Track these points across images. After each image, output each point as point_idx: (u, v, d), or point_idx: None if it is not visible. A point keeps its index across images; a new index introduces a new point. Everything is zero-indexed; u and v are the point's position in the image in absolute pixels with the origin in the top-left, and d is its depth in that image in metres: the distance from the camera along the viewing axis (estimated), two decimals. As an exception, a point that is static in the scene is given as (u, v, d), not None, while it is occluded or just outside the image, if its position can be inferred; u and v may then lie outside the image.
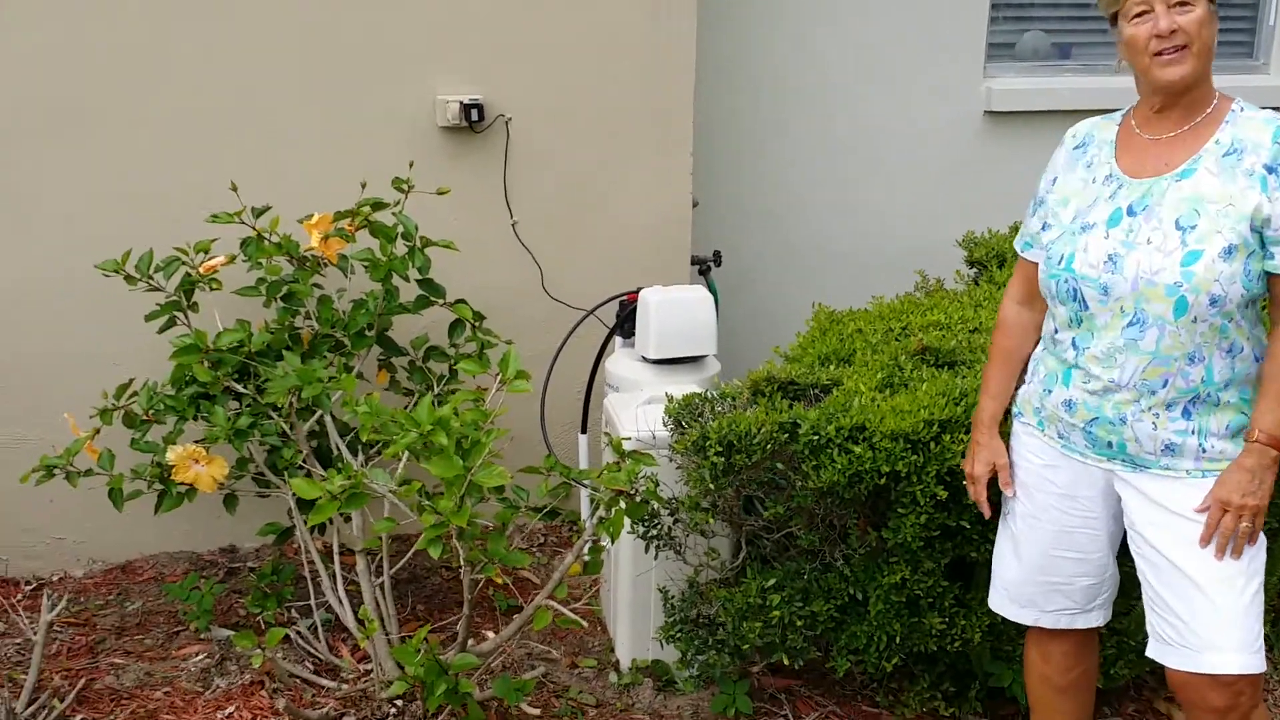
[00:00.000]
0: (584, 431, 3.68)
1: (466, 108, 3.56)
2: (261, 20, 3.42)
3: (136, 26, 3.35)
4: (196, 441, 3.10)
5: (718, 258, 4.12)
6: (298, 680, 3.15)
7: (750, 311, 4.40)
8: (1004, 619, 2.64)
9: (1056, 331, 2.38)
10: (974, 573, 2.93)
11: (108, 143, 3.41)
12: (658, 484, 2.92)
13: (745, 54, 4.30)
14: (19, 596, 3.49)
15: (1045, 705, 2.69)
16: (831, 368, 3.10)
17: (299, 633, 3.29)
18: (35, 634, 3.01)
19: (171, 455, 3.06)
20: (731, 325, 4.18)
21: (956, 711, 3.05)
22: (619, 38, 3.71)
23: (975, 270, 3.77)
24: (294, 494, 3.18)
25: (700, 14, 3.82)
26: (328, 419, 3.17)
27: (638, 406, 3.22)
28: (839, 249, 4.54)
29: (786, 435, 2.80)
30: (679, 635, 3.07)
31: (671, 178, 3.87)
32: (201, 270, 3.22)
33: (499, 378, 2.80)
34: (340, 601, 3.21)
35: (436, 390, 3.35)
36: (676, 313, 3.43)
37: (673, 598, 3.09)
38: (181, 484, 3.10)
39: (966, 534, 2.80)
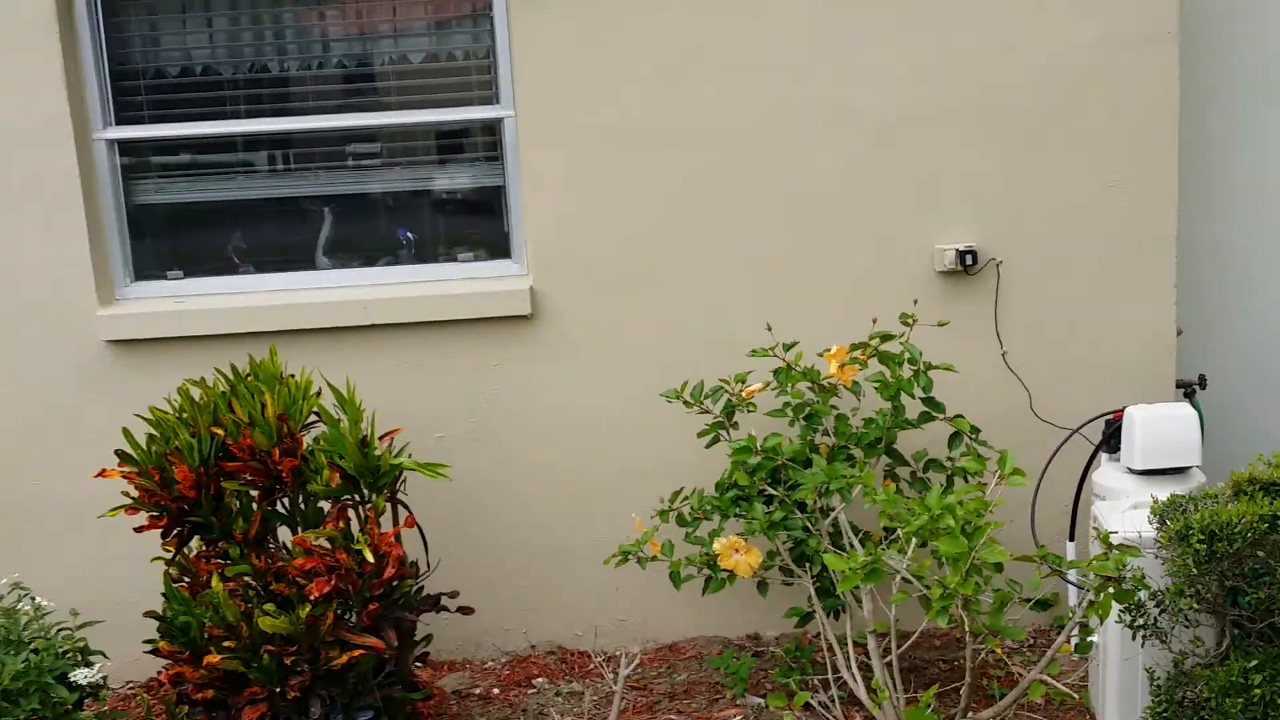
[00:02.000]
0: (1072, 539, 4.00)
1: (961, 254, 4.11)
2: (777, 194, 4.17)
3: (711, 208, 4.20)
4: (737, 534, 3.76)
5: (1202, 381, 4.33)
6: (819, 741, 3.65)
7: (1235, 435, 4.53)
8: None
9: None
10: None
11: (675, 294, 4.24)
12: (1144, 575, 3.22)
13: (1227, 187, 4.57)
14: (590, 665, 4.27)
15: None
16: (1318, 473, 3.27)
17: (819, 702, 3.81)
18: (615, 685, 3.73)
19: (717, 545, 3.72)
20: (1216, 448, 4.35)
21: None
22: (1100, 184, 4.12)
23: None
24: (814, 582, 3.78)
25: (1186, 152, 4.17)
26: (841, 519, 3.73)
27: (1124, 511, 3.53)
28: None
29: (1267, 526, 3.02)
30: (1165, 716, 3.29)
31: (1154, 310, 4.18)
32: (743, 395, 3.93)
33: (996, 475, 3.25)
34: (854, 678, 3.69)
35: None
36: (1161, 426, 3.71)
37: (1159, 680, 3.32)
38: (724, 570, 3.75)
39: None
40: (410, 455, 3.65)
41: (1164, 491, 3.50)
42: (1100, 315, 4.20)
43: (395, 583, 3.50)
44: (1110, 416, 3.92)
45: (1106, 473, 3.86)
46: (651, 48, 4.06)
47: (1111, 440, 3.88)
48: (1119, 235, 4.16)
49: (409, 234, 4.36)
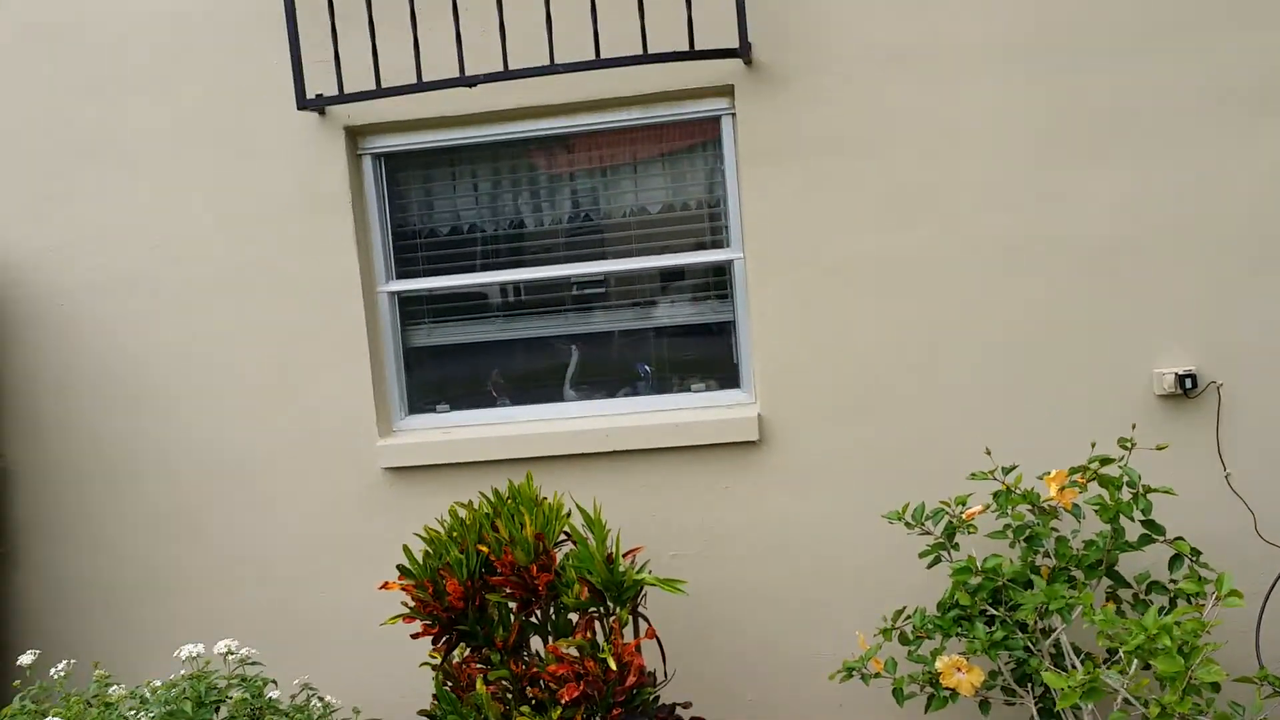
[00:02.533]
0: (1307, 665, 3.98)
1: (1180, 378, 4.22)
2: (993, 323, 4.38)
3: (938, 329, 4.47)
4: (959, 653, 3.92)
5: None
6: None
7: None
8: None
9: None
10: None
11: (895, 420, 4.48)
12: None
13: None
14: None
15: None
16: None
17: (1047, 823, 3.88)
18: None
19: (940, 664, 3.89)
20: None
21: None
22: (1318, 308, 4.18)
23: None
24: (1036, 702, 3.89)
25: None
26: (1063, 639, 3.84)
27: (1358, 636, 3.53)
28: None
29: None
30: None
31: (1384, 430, 4.17)
32: (964, 518, 4.12)
33: (1214, 596, 3.34)
34: (1081, 799, 3.77)
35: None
36: (1394, 551, 3.70)
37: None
38: (946, 688, 3.90)
39: None
40: (650, 571, 3.98)
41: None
42: (1327, 438, 4.22)
43: (636, 690, 3.82)
44: (1341, 540, 3.92)
45: (1340, 597, 3.85)
46: (869, 192, 4.38)
47: (1343, 564, 3.88)
48: (1344, 358, 4.19)
49: (646, 367, 4.77)
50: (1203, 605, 3.41)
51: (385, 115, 4.65)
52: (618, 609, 3.87)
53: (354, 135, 4.74)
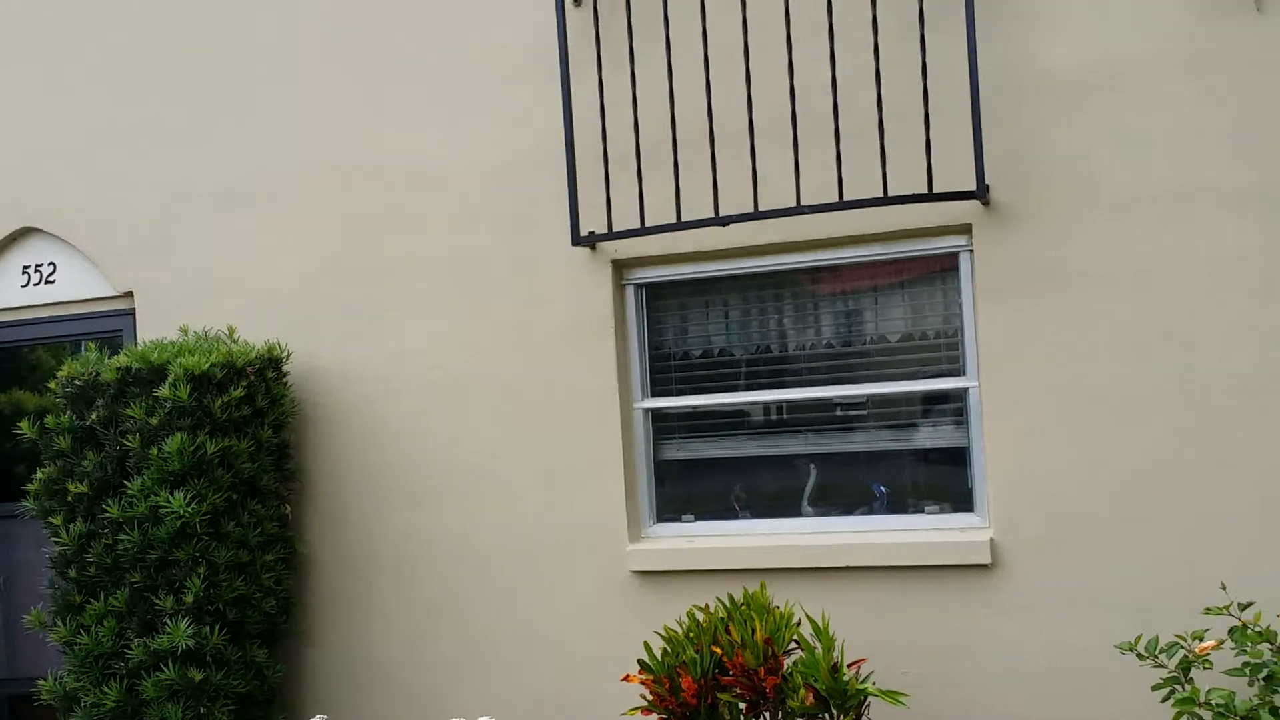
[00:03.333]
0: None
1: None
2: (1224, 454, 4.37)
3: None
4: (1191, 790, 3.87)
5: None
6: None
7: None
8: None
9: None
10: None
11: (1129, 549, 4.50)
12: None
13: None
14: None
15: None
16: None
17: None
18: None
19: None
20: None
21: None
22: None
23: None
24: None
25: None
26: (1306, 784, 3.74)
27: None
28: None
29: None
30: None
31: None
32: (1198, 652, 4.09)
33: None
34: None
35: None
36: None
37: None
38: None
39: None
40: (874, 684, 4.15)
41: None
42: None
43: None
44: None
45: None
46: (1098, 324, 4.50)
47: None
48: None
49: (882, 488, 4.97)
50: None
51: (648, 250, 5.13)
52: (841, 716, 4.05)
53: (619, 267, 5.24)
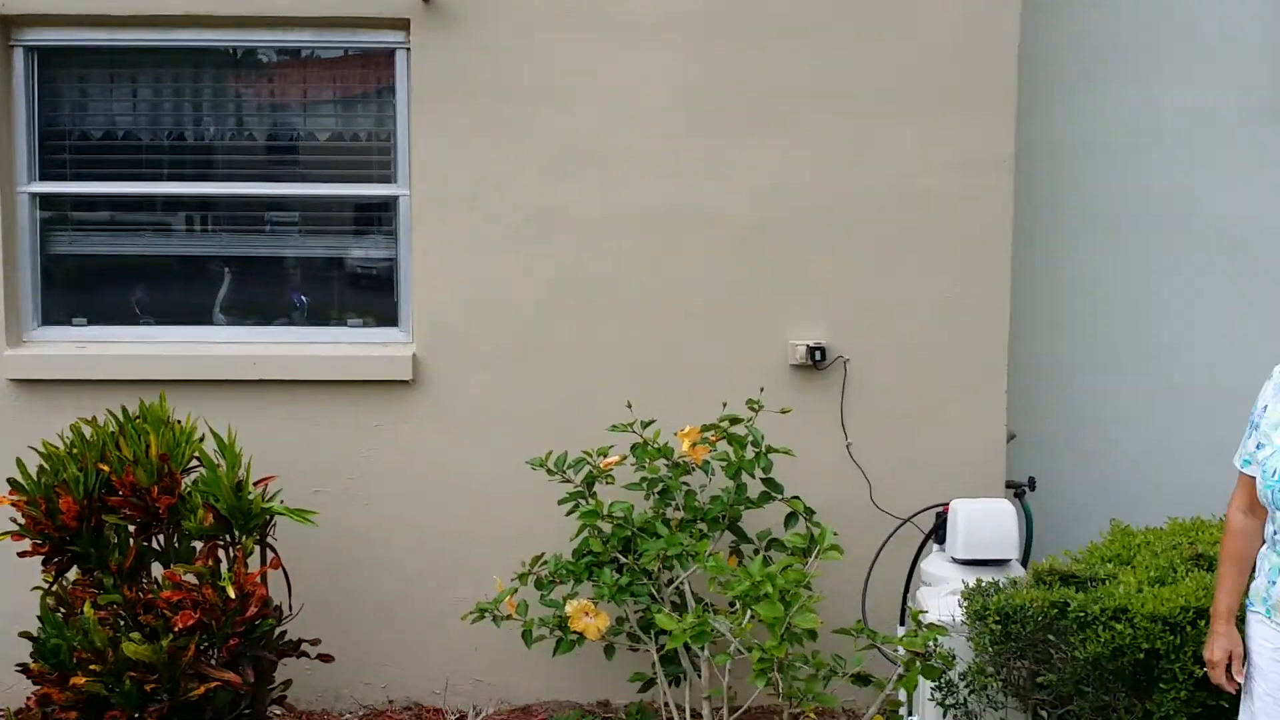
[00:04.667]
0: (902, 624, 4.31)
1: (811, 350, 4.47)
2: (649, 285, 4.52)
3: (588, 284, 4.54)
4: (588, 599, 4.02)
5: (1031, 483, 4.70)
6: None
7: (1062, 534, 4.89)
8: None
9: (1275, 533, 2.88)
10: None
11: (548, 371, 4.53)
12: (954, 656, 3.53)
13: (1070, 311, 5.05)
14: (449, 722, 4.49)
15: None
16: (1111, 566, 3.62)
17: (655, 762, 4.04)
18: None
19: (569, 608, 3.98)
20: (1044, 546, 4.71)
21: None
22: (942, 295, 4.52)
23: None
24: (658, 649, 4.04)
25: (1019, 270, 4.61)
26: (686, 588, 4.01)
27: (942, 596, 3.86)
28: (1152, 482, 4.99)
29: (1057, 611, 3.35)
30: (968, 793, 3.57)
31: (988, 414, 4.56)
32: (601, 467, 4.22)
33: (817, 549, 3.57)
34: (689, 740, 3.95)
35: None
36: (982, 520, 4.05)
37: (964, 757, 3.60)
38: (574, 632, 4.00)
39: (1228, 714, 3.18)
40: (281, 502, 3.88)
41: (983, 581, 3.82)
42: (938, 415, 4.56)
43: (257, 622, 3.72)
44: (940, 509, 4.26)
45: (934, 561, 4.18)
46: (539, 142, 4.42)
47: (939, 531, 4.21)
48: (957, 343, 4.54)
49: (302, 298, 4.64)
50: (805, 559, 3.63)
51: (43, 6, 4.34)
52: (244, 538, 3.76)
53: (7, 25, 4.40)
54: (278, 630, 3.95)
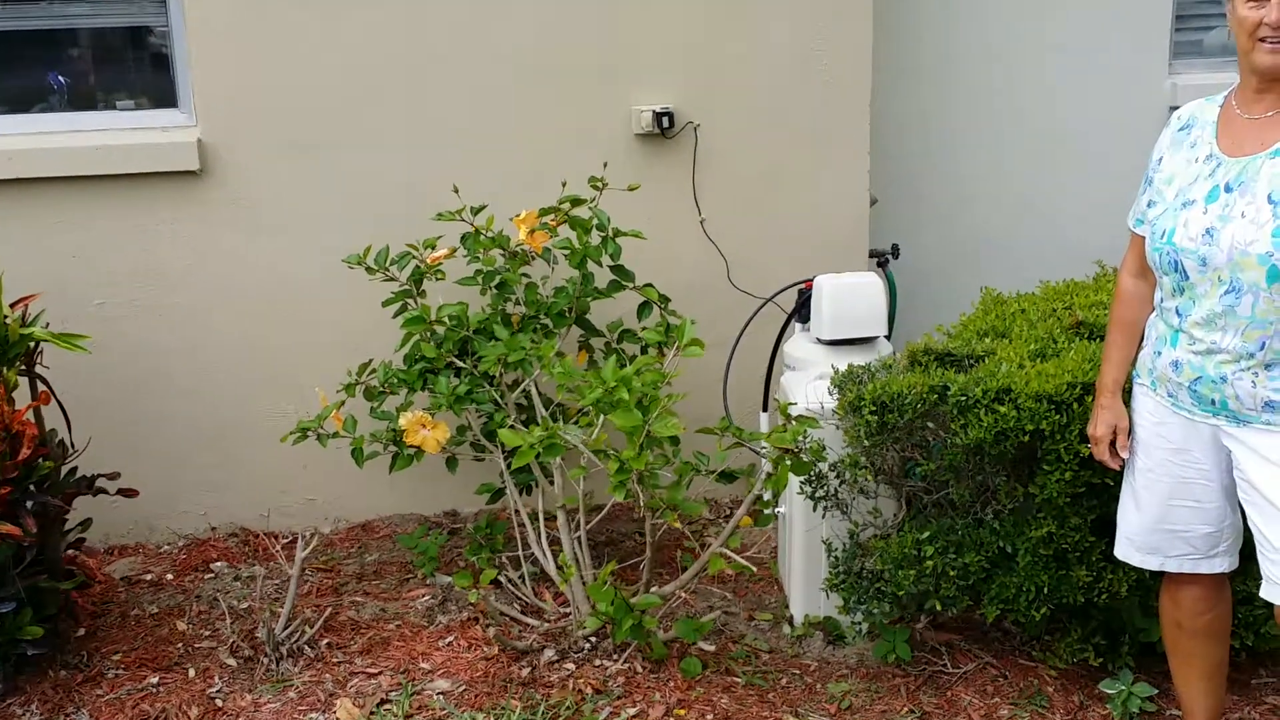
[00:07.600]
0: (765, 410, 4.00)
1: (658, 115, 3.99)
2: (470, 53, 3.94)
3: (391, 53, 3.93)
4: (424, 409, 3.60)
5: (895, 251, 4.39)
6: (507, 618, 3.59)
7: (929, 304, 4.62)
8: (1150, 573, 2.83)
9: (1164, 300, 2.60)
10: (1120, 528, 3.11)
11: (362, 155, 3.97)
12: (824, 447, 3.24)
13: (926, 57, 4.64)
14: (277, 547, 4.07)
15: (1179, 649, 2.85)
16: (988, 341, 3.34)
17: (509, 579, 3.73)
18: (292, 571, 3.54)
19: (403, 421, 3.56)
20: (910, 317, 4.44)
21: (1106, 663, 3.21)
22: (799, 49, 4.06)
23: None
24: (505, 459, 3.67)
25: (883, 21, 4.16)
26: (533, 391, 3.62)
27: (809, 382, 3.53)
28: (1020, 244, 4.75)
29: (936, 397, 3.06)
30: (842, 585, 3.35)
31: (849, 177, 4.18)
32: (429, 262, 3.73)
33: (676, 345, 3.19)
34: (544, 554, 3.63)
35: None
36: (847, 296, 3.70)
37: (836, 551, 3.38)
38: (411, 446, 3.59)
39: (1111, 491, 2.98)
40: (50, 324, 3.31)
41: (850, 362, 3.51)
42: (797, 182, 4.16)
43: (34, 465, 3.20)
44: (803, 286, 3.91)
45: (797, 343, 3.86)
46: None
47: (803, 310, 3.87)
48: (815, 102, 4.12)
49: (61, 79, 3.93)
50: (664, 356, 3.25)
51: None
52: (4, 370, 3.19)
53: None
54: (65, 470, 3.44)
